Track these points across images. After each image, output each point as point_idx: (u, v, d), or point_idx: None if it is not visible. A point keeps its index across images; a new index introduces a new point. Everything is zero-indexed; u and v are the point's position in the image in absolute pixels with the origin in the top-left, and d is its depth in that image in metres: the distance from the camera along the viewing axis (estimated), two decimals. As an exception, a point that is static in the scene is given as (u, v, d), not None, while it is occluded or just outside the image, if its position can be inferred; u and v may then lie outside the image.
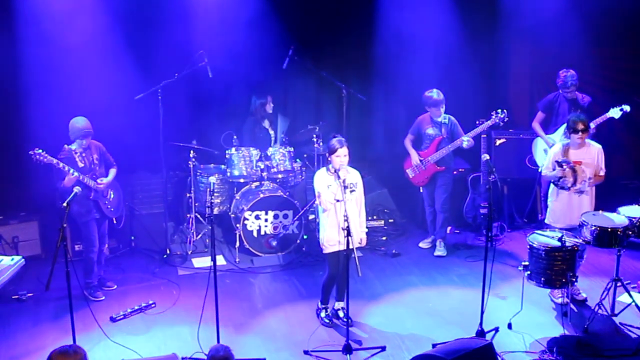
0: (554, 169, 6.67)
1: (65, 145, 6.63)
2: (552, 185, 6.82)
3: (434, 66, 8.67)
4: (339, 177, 6.03)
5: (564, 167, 6.50)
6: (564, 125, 6.91)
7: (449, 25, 8.63)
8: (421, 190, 8.14)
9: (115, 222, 7.14)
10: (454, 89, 8.04)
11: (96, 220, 6.86)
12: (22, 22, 7.60)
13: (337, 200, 6.09)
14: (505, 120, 7.42)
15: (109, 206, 6.86)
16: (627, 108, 7.57)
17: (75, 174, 6.47)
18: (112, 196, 6.91)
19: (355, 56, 8.95)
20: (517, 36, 9.17)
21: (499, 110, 7.40)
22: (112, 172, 6.92)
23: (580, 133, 6.50)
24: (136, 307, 6.67)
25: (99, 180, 6.70)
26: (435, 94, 7.63)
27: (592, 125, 7.66)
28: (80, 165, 6.60)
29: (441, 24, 8.66)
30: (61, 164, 6.40)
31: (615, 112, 7.60)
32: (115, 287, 7.10)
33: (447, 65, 8.67)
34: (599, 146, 6.70)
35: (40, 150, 6.32)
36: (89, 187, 6.64)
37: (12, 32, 7.61)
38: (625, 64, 8.67)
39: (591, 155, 6.62)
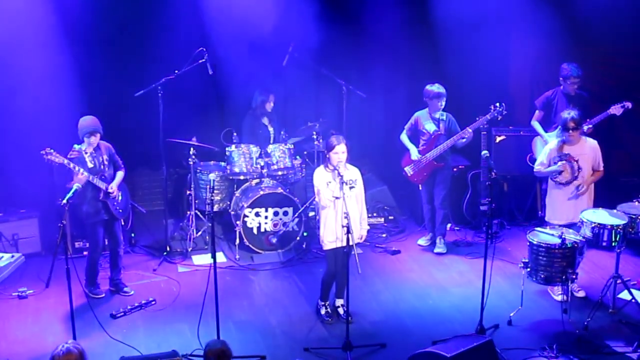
0: (549, 165, 6.69)
1: (75, 145, 6.54)
2: (550, 183, 6.83)
3: (433, 63, 8.66)
4: (338, 175, 6.03)
5: (570, 160, 6.51)
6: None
7: (447, 21, 8.61)
8: (420, 188, 8.13)
9: (123, 223, 7.13)
10: (454, 86, 8.03)
11: (104, 222, 6.79)
12: (20, 18, 7.59)
13: (336, 198, 6.10)
14: (503, 114, 7.44)
15: (117, 207, 6.81)
16: (628, 104, 7.56)
17: (85, 173, 6.41)
18: (120, 198, 6.86)
19: (355, 53, 8.94)
20: (517, 33, 9.16)
21: (497, 104, 7.41)
22: (120, 174, 6.84)
23: (571, 131, 6.53)
24: (136, 304, 6.68)
25: (110, 188, 6.63)
26: (436, 87, 7.62)
27: (590, 126, 7.66)
28: (90, 165, 6.53)
29: (441, 20, 8.64)
30: (71, 164, 6.35)
31: (616, 109, 7.59)
32: (133, 292, 6.99)
33: (446, 61, 8.66)
34: (594, 142, 6.73)
35: (52, 150, 6.26)
36: (98, 187, 6.59)
37: (12, 29, 7.60)
38: (627, 60, 8.65)
39: (586, 151, 6.65)
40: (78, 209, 6.71)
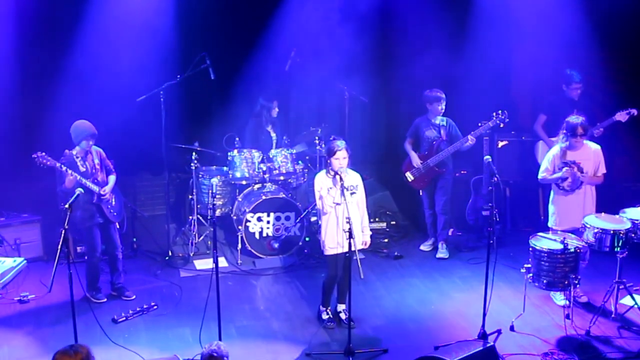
0: (553, 172, 6.67)
1: (67, 150, 6.56)
2: (554, 188, 6.81)
3: (436, 68, 8.66)
4: (340, 180, 6.02)
5: (572, 167, 6.50)
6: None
7: (449, 26, 8.62)
8: (421, 194, 8.13)
9: (119, 226, 7.14)
10: (456, 91, 8.03)
11: (100, 225, 6.82)
12: (24, 23, 7.61)
13: (337, 204, 6.09)
14: (505, 121, 7.44)
15: (112, 211, 6.84)
16: (634, 111, 7.55)
17: (75, 174, 6.42)
18: (113, 201, 6.89)
19: (357, 57, 8.95)
20: (520, 37, 9.16)
21: (500, 111, 7.42)
22: (112, 178, 6.87)
23: (579, 137, 6.51)
24: (138, 309, 6.67)
25: (102, 191, 6.65)
26: (435, 90, 7.67)
27: (600, 129, 7.65)
28: (82, 169, 6.56)
29: (442, 25, 8.65)
30: (64, 167, 6.39)
31: (622, 116, 7.58)
32: (134, 297, 6.99)
33: (449, 67, 8.67)
34: (598, 146, 6.70)
35: (43, 153, 6.30)
36: (91, 191, 6.60)
37: (17, 33, 7.63)
38: (631, 65, 8.65)
39: (589, 156, 6.62)
40: (72, 214, 6.71)
